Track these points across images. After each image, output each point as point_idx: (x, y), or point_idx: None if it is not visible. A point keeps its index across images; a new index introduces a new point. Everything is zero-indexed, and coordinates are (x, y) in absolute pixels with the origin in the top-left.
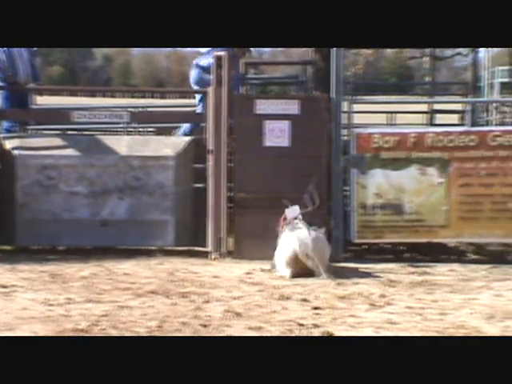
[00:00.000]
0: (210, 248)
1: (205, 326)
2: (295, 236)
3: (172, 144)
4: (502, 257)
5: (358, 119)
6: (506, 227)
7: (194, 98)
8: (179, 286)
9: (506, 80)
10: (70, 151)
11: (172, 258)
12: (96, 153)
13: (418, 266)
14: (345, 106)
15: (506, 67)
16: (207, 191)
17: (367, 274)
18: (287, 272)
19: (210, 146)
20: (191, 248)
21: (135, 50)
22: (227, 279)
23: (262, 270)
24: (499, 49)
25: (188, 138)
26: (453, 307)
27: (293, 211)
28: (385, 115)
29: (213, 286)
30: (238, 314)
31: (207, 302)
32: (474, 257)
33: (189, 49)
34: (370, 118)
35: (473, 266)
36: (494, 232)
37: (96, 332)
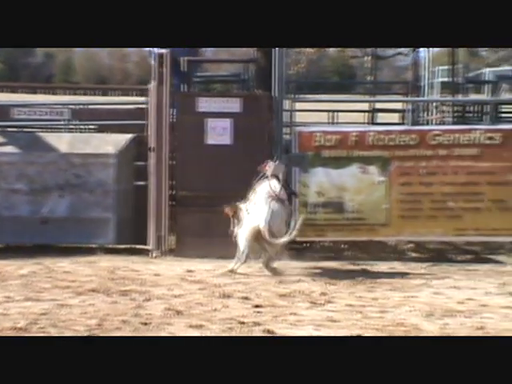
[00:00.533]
0: (151, 246)
1: (145, 324)
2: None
3: (113, 141)
4: (441, 255)
5: (300, 118)
6: (446, 225)
7: (136, 94)
8: (120, 284)
9: (446, 80)
10: (9, 148)
11: (113, 256)
12: (36, 150)
13: (358, 264)
14: (287, 104)
15: (446, 67)
16: (148, 189)
17: (308, 272)
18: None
19: (152, 143)
20: (132, 246)
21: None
22: (168, 277)
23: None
24: (439, 48)
25: (130, 136)
26: (392, 305)
27: (277, 168)
28: (327, 114)
29: (154, 284)
30: (179, 312)
31: (148, 300)
32: (413, 255)
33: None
34: (313, 116)
35: (413, 264)
36: (434, 230)
37: (35, 331)
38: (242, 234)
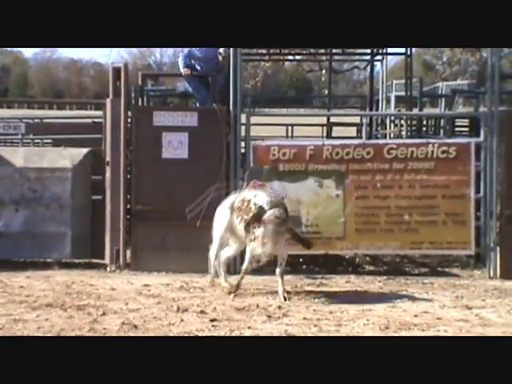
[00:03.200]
0: (107, 260)
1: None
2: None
3: (69, 155)
4: (397, 268)
5: (257, 131)
6: (402, 239)
7: (92, 108)
8: (76, 299)
9: (402, 93)
10: None
11: (69, 271)
12: None
13: (315, 278)
14: (243, 118)
15: (402, 81)
16: (105, 203)
17: (265, 286)
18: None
19: (108, 157)
20: (89, 260)
21: (32, 61)
22: (125, 291)
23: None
24: (396, 62)
25: (85, 150)
26: (349, 318)
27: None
28: (284, 128)
29: (110, 299)
30: (135, 327)
31: (104, 314)
32: (370, 268)
33: (87, 59)
34: (269, 130)
35: (369, 278)
36: (390, 243)
37: None
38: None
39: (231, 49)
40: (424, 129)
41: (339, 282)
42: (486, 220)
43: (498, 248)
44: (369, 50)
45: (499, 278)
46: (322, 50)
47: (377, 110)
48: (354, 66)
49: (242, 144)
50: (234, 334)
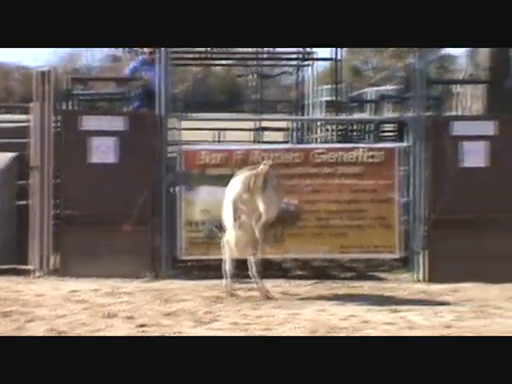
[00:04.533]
0: (34, 266)
1: None
2: None
3: None
4: (325, 272)
5: (186, 136)
6: (330, 243)
7: (17, 113)
8: (1, 305)
9: (330, 98)
10: None
11: None
12: None
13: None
14: (172, 122)
15: (329, 86)
16: (31, 208)
17: (194, 291)
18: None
19: (34, 162)
20: (15, 266)
21: None
22: (52, 297)
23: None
24: (323, 68)
25: (11, 155)
26: (278, 322)
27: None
28: (213, 132)
29: (37, 305)
30: (62, 333)
31: (30, 321)
32: (299, 272)
33: (14, 63)
34: (199, 134)
35: (297, 282)
36: (319, 248)
37: None
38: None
39: (159, 53)
40: (352, 134)
41: (268, 287)
42: (413, 224)
43: (424, 252)
44: (298, 56)
45: (425, 281)
46: (252, 55)
47: (306, 114)
48: (283, 71)
49: (171, 148)
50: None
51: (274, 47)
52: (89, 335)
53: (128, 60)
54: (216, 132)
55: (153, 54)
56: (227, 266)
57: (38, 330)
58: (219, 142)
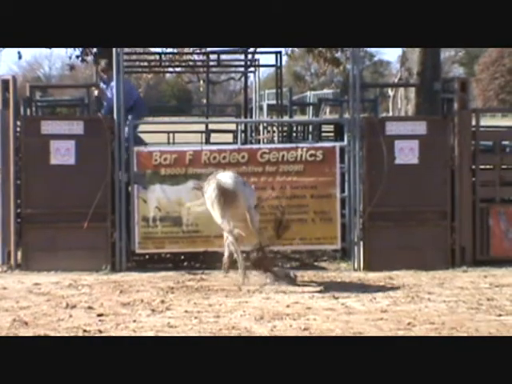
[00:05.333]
0: None
1: None
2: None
3: None
4: None
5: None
6: (275, 235)
7: None
8: None
9: (273, 102)
10: None
11: None
12: None
13: (195, 274)
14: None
15: (273, 90)
16: None
17: (149, 282)
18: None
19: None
20: None
21: None
22: (15, 290)
23: None
24: (267, 74)
25: None
26: (227, 310)
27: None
28: (166, 135)
29: (1, 297)
30: (26, 323)
31: None
32: (246, 263)
33: None
34: (153, 137)
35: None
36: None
37: None
38: (214, 213)
39: (113, 60)
40: (294, 134)
41: (218, 277)
42: (351, 217)
43: (361, 243)
44: (243, 62)
45: (363, 270)
46: (200, 63)
47: (251, 117)
48: (229, 77)
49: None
50: (119, 328)
51: (222, 46)
52: (51, 325)
53: (83, 68)
54: (168, 134)
55: (109, 71)
56: (239, 259)
57: (2, 320)
58: (171, 143)
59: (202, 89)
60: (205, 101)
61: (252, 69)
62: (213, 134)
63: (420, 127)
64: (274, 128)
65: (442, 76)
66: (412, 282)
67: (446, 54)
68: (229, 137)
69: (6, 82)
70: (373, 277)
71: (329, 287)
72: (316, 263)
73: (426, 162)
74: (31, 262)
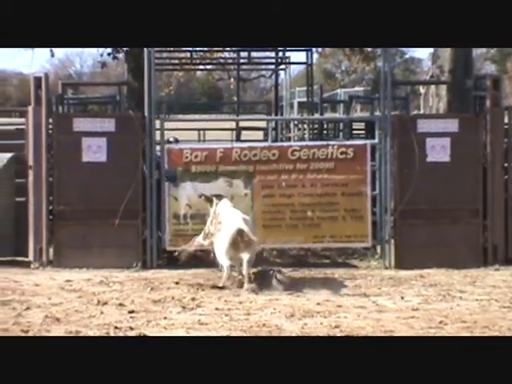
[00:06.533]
0: (31, 258)
1: (25, 331)
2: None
3: None
4: (301, 260)
5: (174, 136)
6: (305, 233)
7: (16, 116)
8: (1, 295)
9: (304, 100)
10: None
11: None
12: None
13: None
14: (158, 123)
15: (304, 88)
16: (28, 204)
17: (180, 279)
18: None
19: (30, 162)
20: (13, 258)
21: None
22: (48, 287)
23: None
24: (298, 71)
25: (9, 155)
26: (257, 307)
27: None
28: (196, 132)
29: (34, 294)
30: (58, 320)
31: (28, 308)
32: (277, 261)
33: (11, 69)
34: (184, 134)
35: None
36: (295, 238)
37: None
38: (220, 248)
39: (145, 59)
40: (325, 132)
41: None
42: (382, 215)
43: (392, 241)
44: (274, 60)
45: (394, 268)
46: (231, 60)
47: (281, 115)
48: (260, 74)
49: (157, 147)
50: (150, 325)
51: (252, 51)
52: (82, 322)
53: (115, 66)
54: (199, 132)
55: None
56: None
57: (35, 316)
58: (202, 141)
59: (232, 86)
60: (235, 98)
61: (282, 66)
62: (243, 132)
63: (452, 125)
64: (305, 125)
65: (473, 73)
66: (443, 281)
67: (478, 51)
68: (259, 134)
69: (38, 80)
70: (404, 275)
71: (360, 285)
72: (347, 261)
73: (458, 159)
74: (63, 259)
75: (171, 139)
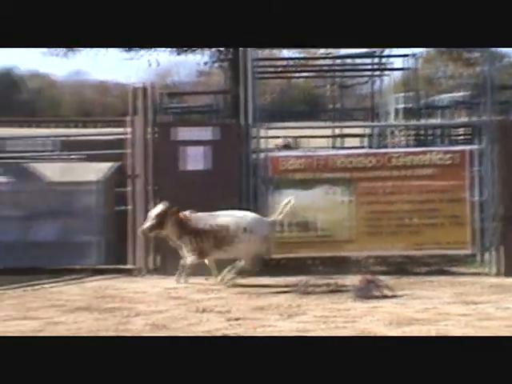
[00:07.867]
0: (136, 265)
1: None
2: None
3: (96, 170)
4: (402, 268)
5: (271, 143)
6: (406, 240)
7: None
8: (104, 302)
9: (404, 105)
10: (2, 178)
11: (99, 276)
12: (26, 179)
13: (330, 278)
14: (257, 131)
15: (403, 94)
16: (134, 213)
17: (281, 286)
18: None
19: (131, 171)
20: (118, 266)
21: (62, 83)
22: (152, 294)
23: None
24: (397, 77)
25: (110, 165)
26: (357, 315)
27: None
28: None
29: (137, 301)
30: (160, 327)
31: (130, 316)
32: (377, 268)
33: (114, 80)
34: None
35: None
36: (396, 245)
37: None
38: None
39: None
40: (425, 138)
41: (348, 282)
42: (487, 221)
43: (498, 247)
44: (372, 66)
45: (501, 275)
46: (328, 67)
47: (379, 121)
48: (358, 81)
49: (255, 155)
50: (251, 333)
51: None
52: (184, 329)
53: (214, 75)
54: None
55: None
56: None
57: (137, 324)
58: (301, 148)
59: (329, 93)
60: (333, 105)
61: (380, 72)
62: (341, 139)
63: None
64: (404, 132)
65: None
66: None
67: None
68: (359, 141)
69: (137, 90)
70: (509, 282)
71: (462, 293)
72: (449, 268)
73: None
74: (167, 267)
75: (285, 143)
